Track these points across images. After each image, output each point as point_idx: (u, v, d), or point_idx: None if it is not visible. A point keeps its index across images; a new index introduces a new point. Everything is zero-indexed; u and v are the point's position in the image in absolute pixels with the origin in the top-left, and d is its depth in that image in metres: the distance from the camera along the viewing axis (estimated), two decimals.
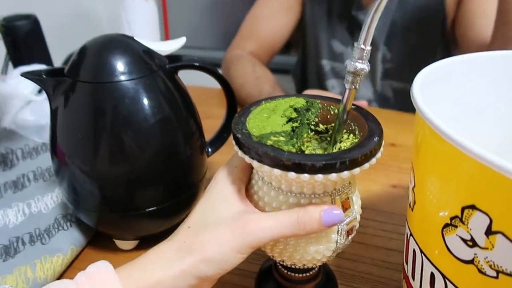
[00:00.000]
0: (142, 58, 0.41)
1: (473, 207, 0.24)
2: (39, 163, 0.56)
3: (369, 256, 0.46)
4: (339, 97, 0.34)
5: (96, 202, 0.42)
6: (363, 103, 0.67)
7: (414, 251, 0.32)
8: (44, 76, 0.40)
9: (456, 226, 0.26)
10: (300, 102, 0.36)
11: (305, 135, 0.34)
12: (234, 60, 0.89)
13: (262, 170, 0.29)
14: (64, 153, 0.41)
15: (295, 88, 1.11)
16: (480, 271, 0.25)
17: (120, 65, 0.39)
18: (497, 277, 0.24)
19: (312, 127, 0.36)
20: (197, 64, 0.45)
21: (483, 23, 0.76)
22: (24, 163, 0.56)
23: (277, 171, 0.28)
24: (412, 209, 0.32)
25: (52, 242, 0.44)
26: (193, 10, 2.14)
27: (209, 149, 0.51)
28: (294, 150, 0.30)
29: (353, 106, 0.33)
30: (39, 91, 0.63)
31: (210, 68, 0.46)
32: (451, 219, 0.26)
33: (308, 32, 0.97)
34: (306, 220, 0.28)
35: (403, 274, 0.37)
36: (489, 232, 0.23)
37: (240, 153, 0.30)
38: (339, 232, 0.32)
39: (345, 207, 0.32)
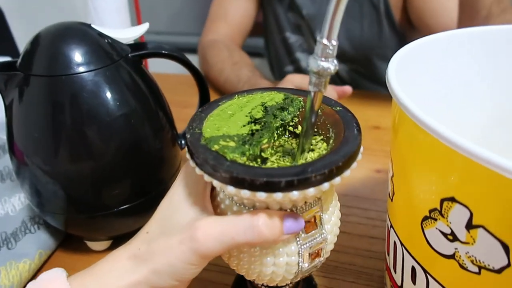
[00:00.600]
0: (101, 47, 0.38)
1: (452, 199, 0.22)
2: (6, 162, 0.53)
3: (352, 246, 0.45)
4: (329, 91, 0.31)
5: (61, 204, 0.40)
6: (346, 89, 0.64)
7: (394, 243, 0.31)
8: None
9: (435, 219, 0.24)
10: (277, 98, 0.31)
11: (265, 141, 0.29)
12: (209, 46, 0.86)
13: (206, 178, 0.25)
14: (22, 152, 0.39)
15: (269, 69, 1.09)
16: (461, 266, 0.23)
17: (76, 56, 0.36)
18: (479, 273, 0.22)
19: (291, 128, 0.31)
20: (163, 51, 0.42)
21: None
22: None
23: (216, 183, 0.24)
24: (392, 200, 0.30)
25: (18, 246, 0.42)
26: None
27: (183, 142, 0.48)
28: (244, 159, 0.26)
29: (338, 108, 0.29)
30: None
31: (177, 55, 0.43)
32: (430, 211, 0.24)
33: (266, 8, 0.96)
34: (266, 224, 0.25)
35: (385, 266, 0.35)
36: (469, 226, 0.22)
37: (187, 155, 0.26)
38: (300, 254, 0.28)
39: (310, 228, 0.28)
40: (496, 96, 0.38)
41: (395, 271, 0.32)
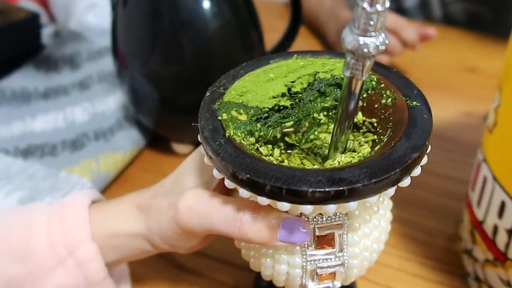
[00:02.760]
0: None
1: None
2: (103, 65, 0.58)
3: (428, 183, 0.44)
4: (400, 74, 0.23)
5: (154, 103, 0.43)
6: (430, 32, 0.55)
7: (484, 178, 0.29)
8: None
9: None
10: (335, 68, 0.24)
11: (289, 124, 0.23)
12: None
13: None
14: (124, 56, 0.41)
15: None
16: None
17: None
18: None
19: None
20: None
21: None
22: (89, 65, 0.58)
23: (205, 159, 0.21)
24: (491, 132, 0.29)
25: (114, 140, 0.46)
26: None
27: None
28: (250, 140, 0.21)
29: (414, 103, 0.21)
30: None
31: None
32: None
33: None
34: (250, 222, 0.21)
35: (466, 202, 0.34)
36: None
37: (206, 159, 0.21)
38: (305, 269, 0.22)
39: (325, 244, 0.22)
40: None
41: (478, 206, 0.31)
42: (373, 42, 0.16)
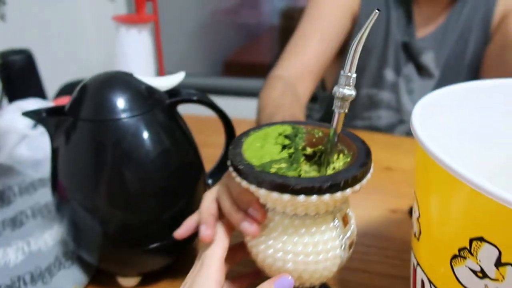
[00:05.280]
0: (142, 94, 0.41)
1: (481, 239, 0.24)
2: (37, 198, 0.56)
3: (373, 284, 0.46)
4: (316, 123, 0.38)
5: (97, 239, 0.42)
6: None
7: (422, 281, 0.32)
8: (45, 115, 0.40)
9: (465, 258, 0.26)
10: (287, 129, 0.37)
11: (301, 160, 0.36)
12: (270, 81, 0.78)
13: (270, 197, 0.30)
14: (65, 190, 0.41)
15: (317, 116, 1.04)
16: None
17: (121, 103, 0.40)
18: None
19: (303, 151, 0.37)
20: (195, 98, 0.46)
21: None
22: (21, 199, 0.56)
23: (286, 196, 0.29)
24: (418, 239, 0.33)
25: (54, 281, 0.43)
26: (184, 37, 2.17)
27: (210, 181, 0.51)
28: (296, 175, 0.32)
29: (350, 135, 0.36)
30: (35, 126, 0.63)
31: (209, 101, 0.47)
32: (460, 250, 0.26)
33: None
34: None
35: None
36: (498, 263, 0.24)
37: (245, 183, 0.31)
38: (343, 247, 0.33)
39: (345, 221, 0.34)
40: (504, 145, 0.41)
41: None
42: (352, 91, 0.31)
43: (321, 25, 0.83)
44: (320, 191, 0.28)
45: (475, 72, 0.87)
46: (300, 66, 0.81)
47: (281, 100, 0.70)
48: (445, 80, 0.87)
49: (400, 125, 0.92)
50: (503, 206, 0.22)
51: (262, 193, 0.30)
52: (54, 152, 0.41)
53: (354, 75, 0.31)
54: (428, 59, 0.85)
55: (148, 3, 0.73)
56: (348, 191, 0.29)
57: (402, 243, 0.52)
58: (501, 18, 0.82)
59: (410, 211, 0.58)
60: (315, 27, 0.83)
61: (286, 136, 0.37)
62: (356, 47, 0.29)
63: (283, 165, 0.34)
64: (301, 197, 0.28)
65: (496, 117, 0.40)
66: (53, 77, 1.00)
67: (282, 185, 0.29)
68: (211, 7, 2.18)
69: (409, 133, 0.92)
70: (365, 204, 0.60)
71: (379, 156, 0.74)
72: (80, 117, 0.39)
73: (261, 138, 0.36)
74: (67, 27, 1.69)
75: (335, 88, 0.31)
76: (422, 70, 0.86)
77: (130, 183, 0.40)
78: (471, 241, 0.25)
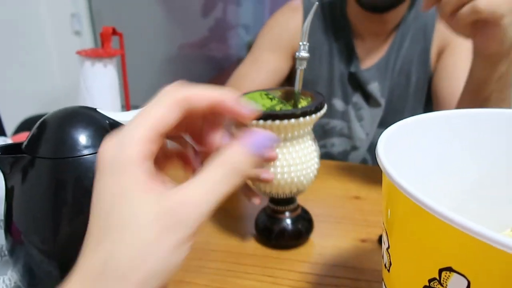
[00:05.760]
0: (106, 130, 0.40)
1: (450, 269, 0.24)
2: None
3: None
4: (280, 87, 0.60)
5: (55, 283, 0.39)
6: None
7: None
8: (0, 153, 0.38)
9: None
10: (263, 92, 0.54)
11: (283, 104, 0.53)
12: None
13: (275, 125, 0.46)
14: (20, 232, 0.39)
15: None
16: None
17: (82, 139, 0.38)
18: None
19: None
20: None
21: (454, 84, 0.81)
22: None
23: (285, 122, 0.45)
24: (389, 270, 0.32)
25: None
26: (151, 70, 2.17)
27: None
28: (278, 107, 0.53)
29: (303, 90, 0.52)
30: None
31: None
32: (430, 281, 0.26)
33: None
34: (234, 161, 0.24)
35: None
36: None
37: (261, 121, 0.45)
38: (316, 155, 0.52)
39: (314, 141, 0.52)
40: (467, 171, 0.42)
41: None
42: (306, 54, 0.48)
43: (257, 70, 0.91)
44: (296, 116, 0.45)
45: (422, 102, 0.91)
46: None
47: None
48: (392, 109, 0.91)
49: (353, 152, 0.95)
50: (469, 236, 0.22)
51: (277, 123, 0.45)
52: (9, 192, 0.39)
53: (307, 43, 0.47)
54: (374, 89, 0.89)
55: (114, 37, 0.73)
56: (313, 116, 0.47)
57: (373, 273, 0.52)
58: (438, 52, 0.88)
59: (380, 240, 0.58)
60: (251, 70, 0.92)
61: (267, 94, 0.53)
62: (307, 27, 0.45)
63: (278, 107, 0.52)
64: (285, 121, 0.45)
65: (457, 145, 0.41)
66: (13, 113, 0.97)
67: (282, 115, 0.45)
68: (178, 40, 2.20)
69: (362, 160, 0.95)
70: (335, 233, 0.60)
71: (347, 185, 0.76)
72: (38, 155, 0.38)
73: (251, 98, 0.52)
74: (30, 59, 1.66)
75: (296, 54, 0.47)
76: (369, 98, 0.90)
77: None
78: (440, 271, 0.25)
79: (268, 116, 0.45)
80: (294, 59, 0.91)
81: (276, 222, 0.55)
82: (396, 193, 0.28)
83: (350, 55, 0.90)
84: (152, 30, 2.17)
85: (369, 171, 0.80)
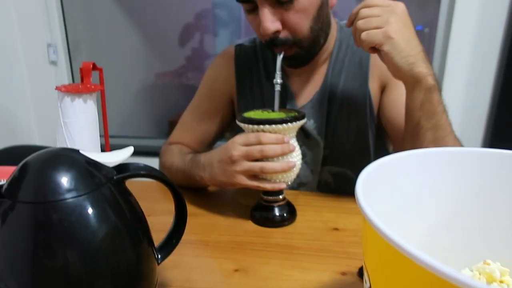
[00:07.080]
0: (88, 172, 0.40)
1: None
2: None
3: None
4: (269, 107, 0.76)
5: None
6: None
7: None
8: None
9: None
10: (258, 110, 0.76)
11: (277, 115, 0.73)
12: (165, 150, 0.96)
13: (277, 127, 0.67)
14: None
15: None
16: None
17: (64, 182, 0.38)
18: None
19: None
20: (144, 173, 0.45)
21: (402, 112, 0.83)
22: None
23: (279, 126, 0.67)
24: None
25: None
26: (128, 99, 2.17)
27: (159, 256, 0.49)
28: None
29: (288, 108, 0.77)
30: None
31: (158, 175, 0.46)
32: None
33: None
34: None
35: None
36: None
37: (267, 126, 0.67)
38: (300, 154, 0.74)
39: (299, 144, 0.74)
40: (440, 205, 0.44)
41: None
42: (279, 80, 0.75)
43: (198, 116, 0.98)
44: (286, 122, 0.67)
45: (368, 137, 0.89)
46: (190, 138, 0.98)
47: (182, 154, 0.90)
48: (334, 145, 0.90)
49: (301, 188, 0.94)
50: (450, 283, 0.23)
51: (283, 127, 0.67)
52: None
53: (279, 74, 0.73)
54: (310, 126, 0.89)
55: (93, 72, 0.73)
56: (298, 122, 0.68)
57: None
58: (380, 86, 0.87)
59: (360, 273, 0.59)
60: (191, 120, 0.99)
61: (263, 110, 0.76)
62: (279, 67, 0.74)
63: (273, 116, 0.71)
64: (279, 125, 0.67)
65: (430, 181, 0.43)
66: None
67: (278, 121, 0.67)
68: (155, 69, 2.22)
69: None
70: (315, 267, 0.60)
71: (325, 216, 0.77)
72: (18, 199, 0.37)
73: (254, 115, 0.72)
74: (4, 92, 1.63)
75: (274, 80, 0.72)
76: (309, 136, 0.90)
77: (75, 268, 0.37)
78: None
79: (272, 122, 0.67)
80: (232, 102, 1.00)
81: (268, 209, 0.74)
82: (377, 238, 0.29)
83: (284, 95, 0.89)
84: (129, 59, 2.17)
85: (347, 202, 0.82)
